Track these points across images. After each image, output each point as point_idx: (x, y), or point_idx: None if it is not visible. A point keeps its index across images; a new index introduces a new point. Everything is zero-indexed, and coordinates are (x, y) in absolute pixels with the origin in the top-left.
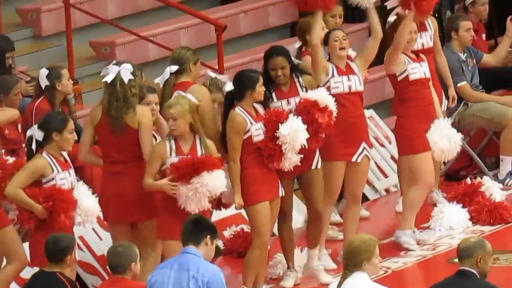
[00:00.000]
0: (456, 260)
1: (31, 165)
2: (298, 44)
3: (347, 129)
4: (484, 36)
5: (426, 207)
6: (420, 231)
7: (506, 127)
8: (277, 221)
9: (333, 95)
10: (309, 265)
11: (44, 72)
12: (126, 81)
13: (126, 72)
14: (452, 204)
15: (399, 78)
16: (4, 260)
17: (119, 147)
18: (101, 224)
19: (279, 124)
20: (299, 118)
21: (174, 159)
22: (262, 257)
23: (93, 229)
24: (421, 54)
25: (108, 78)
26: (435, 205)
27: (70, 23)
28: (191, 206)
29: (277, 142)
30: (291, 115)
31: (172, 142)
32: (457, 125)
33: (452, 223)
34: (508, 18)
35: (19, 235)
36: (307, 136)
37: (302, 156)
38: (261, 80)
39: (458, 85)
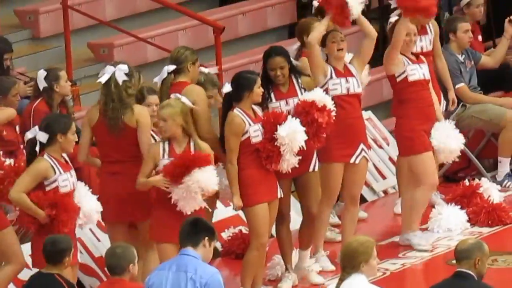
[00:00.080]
0: (454, 261)
1: (34, 169)
2: (297, 45)
3: (345, 131)
4: (480, 37)
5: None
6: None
7: (504, 128)
8: (275, 222)
9: (332, 97)
10: (300, 266)
11: (42, 73)
12: (120, 82)
13: (120, 73)
14: (450, 206)
15: (398, 79)
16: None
17: (117, 146)
18: (99, 226)
19: (278, 126)
20: (298, 119)
21: (166, 161)
22: (260, 258)
23: (91, 230)
24: (421, 56)
25: (103, 79)
26: (433, 206)
27: (68, 24)
28: (187, 207)
29: (275, 143)
30: (289, 117)
31: (166, 144)
32: (455, 127)
33: (450, 224)
34: (506, 20)
35: (17, 237)
36: (306, 137)
37: (300, 157)
38: (258, 81)
39: (456, 86)
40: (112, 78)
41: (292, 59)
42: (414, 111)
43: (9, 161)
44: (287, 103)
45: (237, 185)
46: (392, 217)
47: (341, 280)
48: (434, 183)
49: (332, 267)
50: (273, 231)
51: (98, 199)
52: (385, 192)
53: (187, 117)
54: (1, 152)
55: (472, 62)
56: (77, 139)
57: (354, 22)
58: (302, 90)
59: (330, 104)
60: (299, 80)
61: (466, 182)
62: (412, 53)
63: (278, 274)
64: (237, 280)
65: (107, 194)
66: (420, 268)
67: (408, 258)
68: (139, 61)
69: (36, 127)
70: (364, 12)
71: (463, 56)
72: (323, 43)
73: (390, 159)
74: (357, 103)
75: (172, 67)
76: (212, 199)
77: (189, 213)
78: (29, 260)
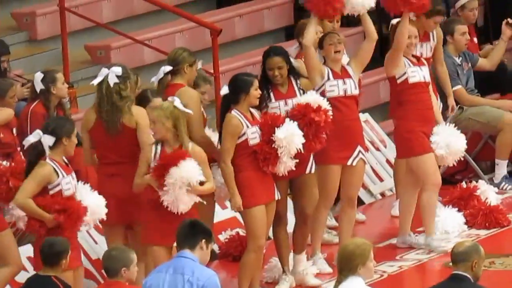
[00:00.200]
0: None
1: (39, 174)
2: (296, 45)
3: (342, 133)
4: (475, 39)
5: None
6: (416, 235)
7: (501, 131)
8: (272, 224)
9: (329, 99)
10: (295, 270)
11: (39, 76)
12: (111, 84)
13: (112, 75)
14: (448, 208)
15: (398, 81)
16: None
17: (115, 148)
18: (96, 228)
19: (275, 128)
20: (295, 122)
21: (155, 163)
22: (257, 260)
23: (88, 233)
24: (422, 58)
25: (95, 81)
26: None
27: (65, 26)
28: (179, 206)
29: (273, 145)
30: (287, 120)
31: (159, 146)
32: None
33: (448, 227)
34: (503, 22)
35: (15, 239)
36: (303, 141)
37: (297, 160)
38: (255, 83)
39: (454, 89)
40: (105, 80)
41: (292, 59)
42: (413, 113)
43: (6, 163)
44: (286, 103)
45: (234, 185)
46: (389, 219)
47: (338, 283)
48: (437, 183)
49: (330, 270)
50: (270, 233)
51: None
52: (382, 194)
53: (178, 121)
54: None
55: (469, 65)
56: (77, 141)
57: (354, 23)
58: (301, 91)
59: (325, 105)
60: (298, 81)
61: (464, 184)
62: (413, 55)
63: (275, 277)
64: (234, 282)
65: (106, 196)
66: (418, 270)
67: (405, 261)
68: (136, 63)
69: (39, 131)
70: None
71: (460, 58)
72: (321, 45)
73: (388, 161)
74: (354, 105)
75: (168, 68)
76: (209, 198)
77: (184, 212)
78: (26, 263)
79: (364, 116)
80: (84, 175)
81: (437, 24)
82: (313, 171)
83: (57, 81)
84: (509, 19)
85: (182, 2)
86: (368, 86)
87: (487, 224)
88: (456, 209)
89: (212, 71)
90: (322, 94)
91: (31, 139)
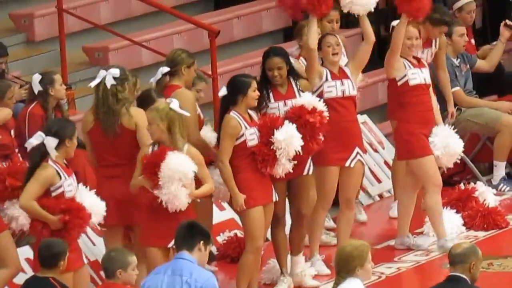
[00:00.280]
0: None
1: (42, 176)
2: (297, 47)
3: (340, 134)
4: (473, 40)
5: (420, 213)
6: (414, 237)
7: (499, 132)
8: (270, 225)
9: (326, 100)
10: (293, 272)
11: (37, 77)
12: (108, 86)
13: (109, 77)
14: (446, 210)
15: (399, 83)
16: None
17: (113, 149)
18: (94, 230)
19: (274, 130)
20: (294, 125)
21: None
22: (255, 262)
23: (86, 235)
24: (422, 60)
25: (93, 83)
26: None
27: (63, 28)
28: (176, 203)
29: (272, 147)
30: (286, 122)
31: (156, 148)
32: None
33: (446, 228)
34: (502, 24)
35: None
36: (302, 143)
37: (295, 162)
38: (253, 85)
39: (452, 90)
40: (102, 82)
41: (292, 60)
42: (414, 115)
43: (4, 164)
44: (285, 104)
45: (234, 185)
46: (387, 221)
47: (336, 284)
48: (438, 184)
49: (328, 271)
50: (269, 235)
51: None
52: (380, 196)
53: (173, 124)
54: None
55: (468, 66)
56: (77, 143)
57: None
58: (300, 92)
59: (320, 106)
60: (297, 82)
61: (462, 186)
62: (413, 57)
63: (273, 278)
64: (233, 284)
65: (105, 198)
66: (416, 272)
67: (403, 262)
68: (134, 64)
69: (41, 133)
70: (357, 17)
71: (459, 60)
72: (318, 46)
73: (386, 163)
74: (353, 106)
75: (166, 69)
76: (206, 199)
77: (183, 209)
78: (24, 264)
79: (362, 118)
80: (82, 177)
81: (442, 34)
82: (310, 172)
83: (55, 83)
84: (507, 21)
85: (180, 4)
86: (366, 87)
87: (485, 226)
88: (454, 210)
89: (210, 72)
90: (320, 95)
91: (33, 141)
